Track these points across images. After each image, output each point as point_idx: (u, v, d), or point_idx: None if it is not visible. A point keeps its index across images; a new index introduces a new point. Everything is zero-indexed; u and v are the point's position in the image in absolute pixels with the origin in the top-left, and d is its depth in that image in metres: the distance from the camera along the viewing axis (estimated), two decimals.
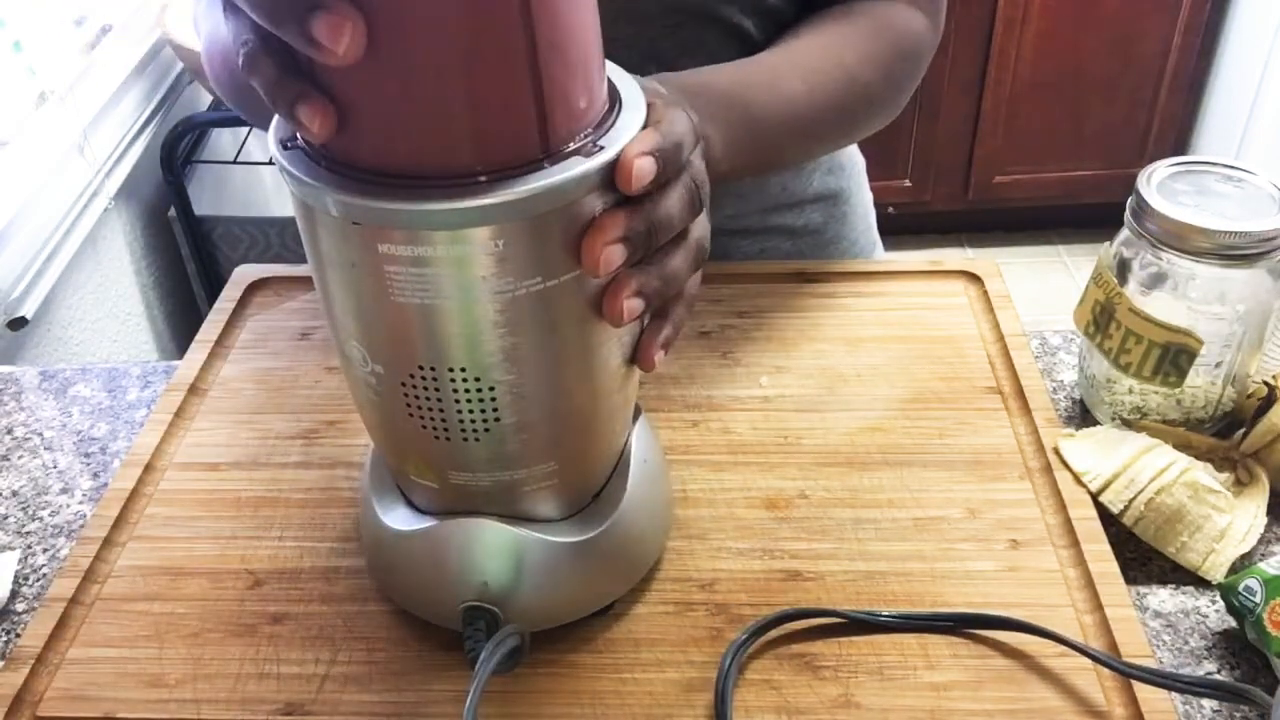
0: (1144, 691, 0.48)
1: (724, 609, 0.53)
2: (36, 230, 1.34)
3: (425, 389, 0.43)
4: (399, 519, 0.50)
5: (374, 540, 0.52)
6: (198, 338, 0.73)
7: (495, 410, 0.43)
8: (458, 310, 0.40)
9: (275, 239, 1.71)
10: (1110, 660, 0.49)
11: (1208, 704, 0.50)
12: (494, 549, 0.48)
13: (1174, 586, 0.56)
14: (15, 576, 0.59)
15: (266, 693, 0.50)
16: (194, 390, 0.69)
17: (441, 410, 0.43)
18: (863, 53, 0.68)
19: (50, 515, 0.63)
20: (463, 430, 0.44)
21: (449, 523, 0.48)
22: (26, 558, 0.60)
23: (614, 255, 0.40)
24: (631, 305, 0.42)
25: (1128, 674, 0.48)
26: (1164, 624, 0.54)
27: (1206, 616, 0.55)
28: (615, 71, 0.44)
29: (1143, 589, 0.56)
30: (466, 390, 0.42)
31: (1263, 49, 2.08)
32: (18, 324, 1.29)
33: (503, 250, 0.39)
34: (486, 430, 0.44)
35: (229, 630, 0.53)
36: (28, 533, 0.62)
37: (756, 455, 0.62)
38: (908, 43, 0.71)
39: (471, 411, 0.43)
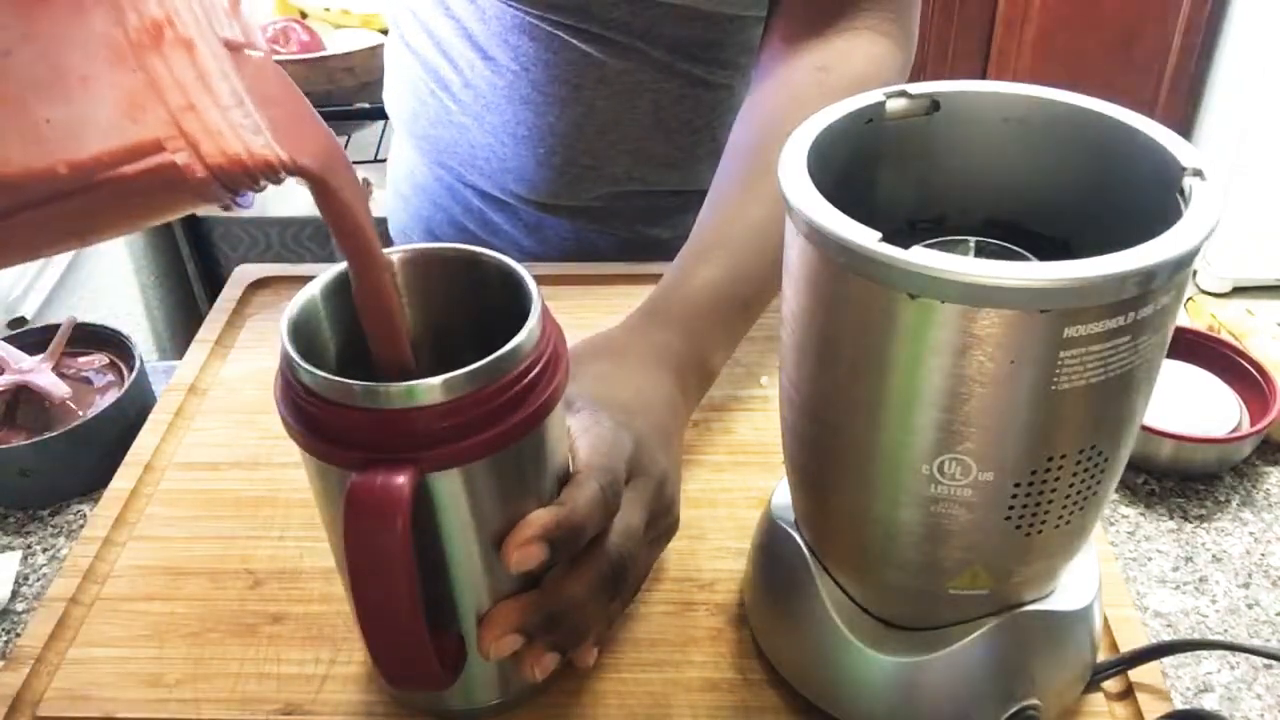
0: None
1: (724, 609, 0.53)
2: None
3: (1047, 478, 0.39)
4: (894, 647, 0.46)
5: (864, 678, 0.47)
6: (198, 338, 0.73)
7: (1099, 482, 0.41)
8: (1145, 378, 0.38)
9: (275, 239, 1.71)
10: None
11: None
12: (1042, 638, 0.46)
13: (1174, 586, 0.56)
14: (15, 576, 0.59)
15: (266, 693, 0.50)
16: (194, 390, 0.69)
17: (1051, 498, 0.40)
18: None
19: (50, 515, 0.63)
20: (1059, 515, 0.41)
21: (996, 623, 0.45)
22: (26, 558, 0.60)
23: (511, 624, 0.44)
24: (503, 644, 0.44)
25: None
26: (1164, 624, 0.54)
27: (1206, 616, 0.55)
28: None
29: (1143, 589, 0.56)
30: (1084, 464, 0.39)
31: (1263, 49, 2.08)
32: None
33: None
34: (1080, 509, 0.41)
35: (229, 630, 0.53)
36: (28, 533, 0.62)
37: (756, 455, 0.62)
38: (867, 83, 0.68)
39: (1079, 489, 0.40)
